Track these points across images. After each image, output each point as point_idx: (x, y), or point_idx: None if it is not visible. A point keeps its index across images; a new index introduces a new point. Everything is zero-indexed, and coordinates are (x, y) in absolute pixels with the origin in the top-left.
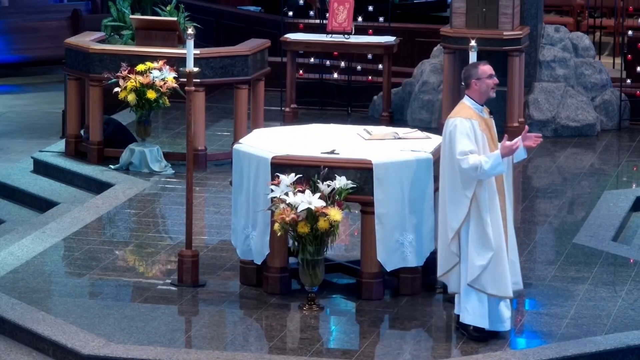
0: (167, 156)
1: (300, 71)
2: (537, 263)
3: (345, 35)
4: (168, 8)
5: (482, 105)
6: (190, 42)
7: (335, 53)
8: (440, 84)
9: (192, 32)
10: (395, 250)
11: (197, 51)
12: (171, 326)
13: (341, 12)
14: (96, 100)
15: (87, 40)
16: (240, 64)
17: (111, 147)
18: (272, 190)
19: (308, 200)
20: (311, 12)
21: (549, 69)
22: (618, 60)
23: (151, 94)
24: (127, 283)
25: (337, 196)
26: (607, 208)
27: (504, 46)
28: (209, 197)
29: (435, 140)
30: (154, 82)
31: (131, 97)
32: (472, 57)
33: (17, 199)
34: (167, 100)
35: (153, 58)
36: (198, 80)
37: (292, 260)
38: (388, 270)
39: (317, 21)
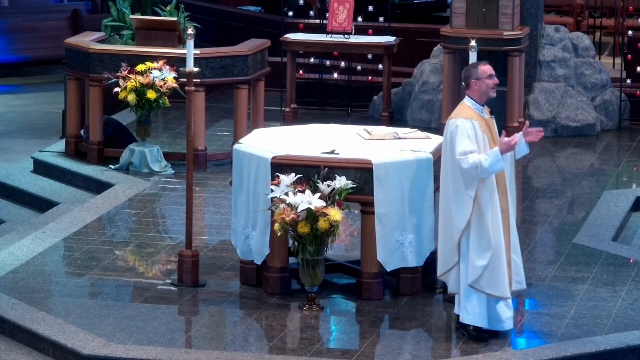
0: (167, 156)
1: (300, 71)
2: (537, 263)
3: (345, 35)
4: (168, 8)
5: (483, 106)
6: (190, 42)
7: (335, 53)
8: (440, 84)
9: (192, 32)
10: (395, 250)
11: (197, 51)
12: (171, 326)
13: (341, 12)
14: (96, 100)
15: (87, 40)
16: (240, 64)
17: (111, 147)
18: (272, 190)
19: (308, 200)
20: (311, 12)
21: (549, 69)
22: (618, 60)
23: (151, 94)
24: (127, 283)
25: (337, 196)
26: (607, 208)
27: (504, 46)
28: (209, 197)
29: (435, 140)
30: (154, 82)
31: (131, 97)
32: (472, 57)
33: (17, 199)
34: (167, 100)
35: (153, 58)
36: (198, 80)
37: (292, 260)
38: (388, 270)
39: (317, 21)
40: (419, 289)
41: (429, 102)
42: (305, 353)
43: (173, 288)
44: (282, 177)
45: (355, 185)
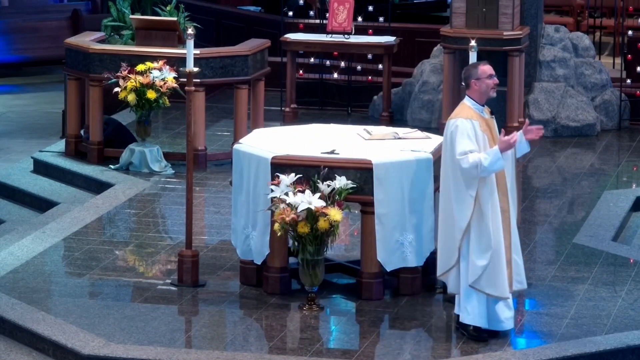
0: (167, 156)
1: (300, 71)
2: (537, 263)
3: (345, 35)
4: (168, 8)
5: (483, 106)
6: (190, 42)
7: (335, 53)
8: (440, 84)
9: (192, 32)
10: (395, 250)
11: (197, 51)
12: (171, 326)
13: (341, 12)
14: (96, 100)
15: (87, 40)
16: (240, 64)
17: (111, 147)
18: (272, 190)
19: (308, 200)
20: (311, 12)
21: (549, 69)
22: (618, 60)
23: (151, 94)
24: (127, 283)
25: (337, 196)
26: (607, 208)
27: (504, 46)
28: (209, 197)
29: (435, 140)
30: (154, 82)
31: (131, 97)
32: (472, 57)
33: (17, 199)
34: (167, 100)
35: (153, 58)
36: (198, 80)
37: (292, 260)
38: (388, 270)
39: (317, 21)
40: (419, 289)
41: (429, 102)
42: (305, 353)
43: (173, 288)
44: (282, 177)
45: (355, 185)
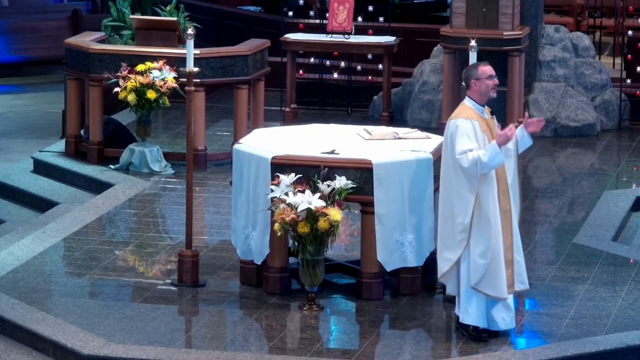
0: (167, 156)
1: (300, 71)
2: (537, 263)
3: (345, 35)
4: (168, 8)
5: (483, 106)
6: (190, 42)
7: (335, 53)
8: (440, 84)
9: (192, 32)
10: (395, 250)
11: (197, 51)
12: (171, 326)
13: (341, 12)
14: (96, 100)
15: (87, 40)
16: (240, 64)
17: (111, 147)
18: (272, 190)
19: (308, 200)
20: (311, 12)
21: (549, 69)
22: (618, 60)
23: (151, 94)
24: (127, 283)
25: (337, 196)
26: (607, 208)
27: (504, 46)
28: (209, 197)
29: (435, 140)
30: (154, 82)
31: (131, 97)
32: (472, 57)
33: (17, 199)
34: (167, 100)
35: (153, 58)
36: (198, 80)
37: (292, 260)
38: (388, 270)
39: (317, 21)
40: (419, 289)
41: (429, 102)
42: (305, 353)
43: (173, 288)
44: (282, 177)
45: (355, 185)
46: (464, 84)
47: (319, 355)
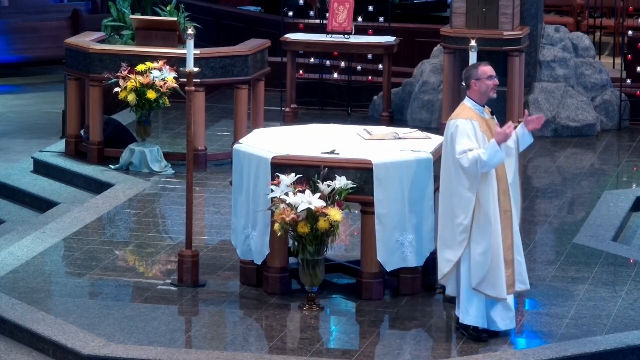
0: (167, 156)
1: (300, 71)
2: (537, 263)
3: (345, 35)
4: (168, 8)
5: (483, 106)
6: (190, 42)
7: (335, 53)
8: (440, 84)
9: (192, 32)
10: (395, 250)
11: (197, 51)
12: (171, 326)
13: (341, 12)
14: (96, 100)
15: (87, 40)
16: (240, 64)
17: (111, 147)
18: (272, 190)
19: (308, 200)
20: (311, 12)
21: (549, 69)
22: (618, 60)
23: (151, 94)
24: (127, 283)
25: (337, 196)
26: (607, 208)
27: (504, 46)
28: (209, 197)
29: (435, 140)
30: (154, 82)
31: (131, 97)
32: (472, 57)
33: (17, 199)
34: (167, 100)
35: (153, 58)
36: (198, 80)
37: (292, 260)
38: (388, 270)
39: (317, 21)
40: (419, 289)
41: (429, 102)
42: (305, 353)
43: (173, 288)
44: (282, 177)
45: (355, 185)
46: (464, 83)
47: (319, 355)
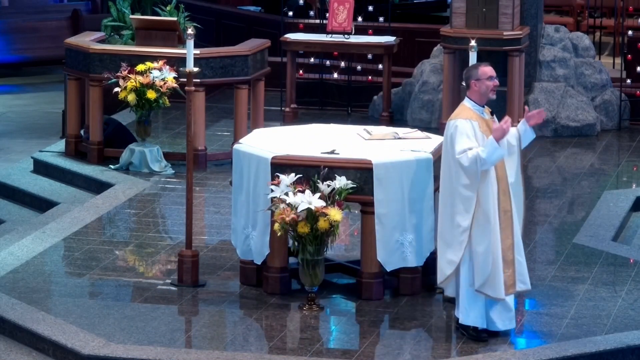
0: (167, 156)
1: (300, 71)
2: (537, 263)
3: (345, 35)
4: (168, 8)
5: (483, 106)
6: (190, 42)
7: (335, 53)
8: (440, 84)
9: (192, 32)
10: (395, 250)
11: (197, 51)
12: (171, 326)
13: (341, 12)
14: (96, 100)
15: (87, 40)
16: (240, 64)
17: (111, 147)
18: (272, 190)
19: (308, 200)
20: (311, 12)
21: (549, 69)
22: (618, 60)
23: (151, 94)
24: (127, 283)
25: (337, 196)
26: (607, 208)
27: (504, 46)
28: (209, 197)
29: (435, 140)
30: (154, 82)
31: (131, 97)
32: (472, 57)
33: (17, 199)
34: (167, 100)
35: (153, 58)
36: (198, 80)
37: (292, 260)
38: (388, 270)
39: (317, 21)
40: (419, 289)
41: (429, 102)
42: (305, 353)
43: (173, 288)
44: (282, 177)
45: (355, 185)
46: (464, 84)
47: (319, 355)
